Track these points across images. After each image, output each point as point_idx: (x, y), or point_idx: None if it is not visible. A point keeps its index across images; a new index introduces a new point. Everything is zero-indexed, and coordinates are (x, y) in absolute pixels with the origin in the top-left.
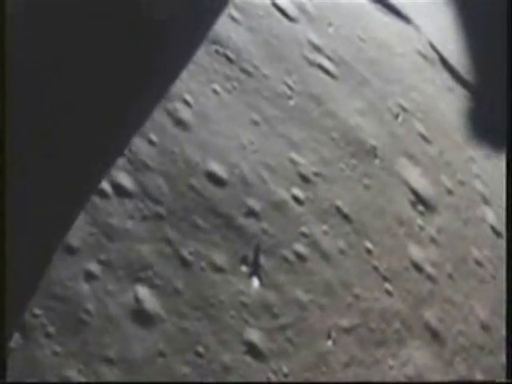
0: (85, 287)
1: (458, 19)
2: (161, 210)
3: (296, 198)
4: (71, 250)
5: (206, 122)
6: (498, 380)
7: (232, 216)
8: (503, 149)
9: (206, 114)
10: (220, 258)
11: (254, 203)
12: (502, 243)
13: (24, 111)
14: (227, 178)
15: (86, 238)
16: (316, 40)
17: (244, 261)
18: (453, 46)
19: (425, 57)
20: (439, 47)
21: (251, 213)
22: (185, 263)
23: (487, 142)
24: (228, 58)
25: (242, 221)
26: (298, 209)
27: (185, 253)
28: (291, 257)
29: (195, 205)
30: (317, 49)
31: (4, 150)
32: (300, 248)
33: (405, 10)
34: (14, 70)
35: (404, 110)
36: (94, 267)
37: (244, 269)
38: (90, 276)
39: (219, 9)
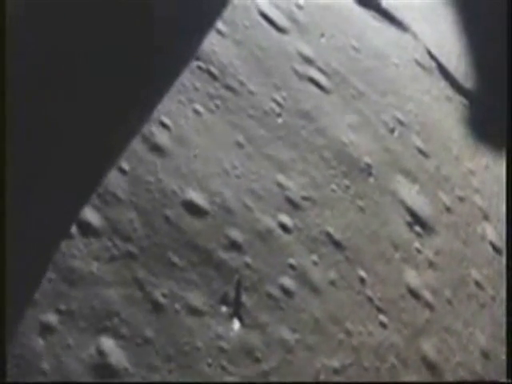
0: (40, 343)
1: (458, 23)
2: (131, 248)
3: (283, 226)
4: (26, 300)
5: (185, 147)
6: (497, 380)
7: (212, 250)
8: (503, 159)
9: (186, 137)
10: (197, 299)
11: (236, 234)
12: (502, 260)
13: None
14: (207, 208)
15: (44, 285)
16: (307, 51)
17: (224, 300)
18: (452, 52)
19: (422, 65)
20: (437, 54)
21: (233, 245)
22: (157, 307)
23: (487, 153)
24: (211, 75)
25: (223, 255)
26: (285, 238)
27: (157, 295)
28: (276, 292)
29: (171, 240)
30: (308, 61)
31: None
32: (286, 282)
33: (401, 17)
34: (13, 70)
35: (400, 123)
36: (51, 318)
37: (224, 309)
38: (46, 329)
39: (216, 13)
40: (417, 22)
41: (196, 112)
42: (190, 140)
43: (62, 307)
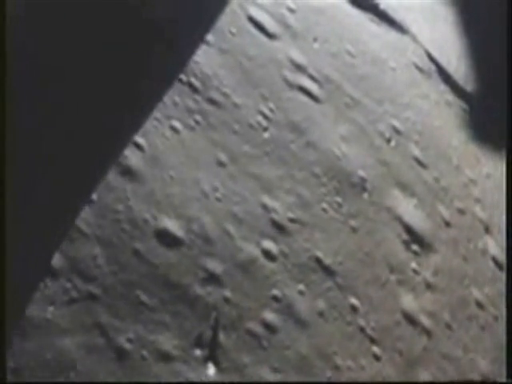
0: None
1: (458, 24)
2: (93, 288)
3: (267, 254)
4: None
5: (159, 168)
6: (497, 380)
7: (186, 285)
8: (505, 166)
9: (161, 158)
10: (167, 343)
11: (214, 265)
12: (504, 276)
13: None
14: (183, 237)
15: None
16: (298, 58)
17: (198, 342)
18: (452, 54)
19: (421, 69)
20: (437, 56)
21: (211, 278)
22: (121, 355)
23: (488, 160)
24: (192, 88)
25: (199, 290)
26: (270, 266)
27: (122, 341)
28: (258, 329)
29: (139, 276)
30: (299, 68)
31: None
32: (269, 316)
33: (400, 18)
34: (13, 70)
35: (397, 132)
36: None
37: (197, 352)
38: None
39: (218, 9)
40: (416, 23)
41: (173, 129)
42: (166, 161)
43: (11, 364)
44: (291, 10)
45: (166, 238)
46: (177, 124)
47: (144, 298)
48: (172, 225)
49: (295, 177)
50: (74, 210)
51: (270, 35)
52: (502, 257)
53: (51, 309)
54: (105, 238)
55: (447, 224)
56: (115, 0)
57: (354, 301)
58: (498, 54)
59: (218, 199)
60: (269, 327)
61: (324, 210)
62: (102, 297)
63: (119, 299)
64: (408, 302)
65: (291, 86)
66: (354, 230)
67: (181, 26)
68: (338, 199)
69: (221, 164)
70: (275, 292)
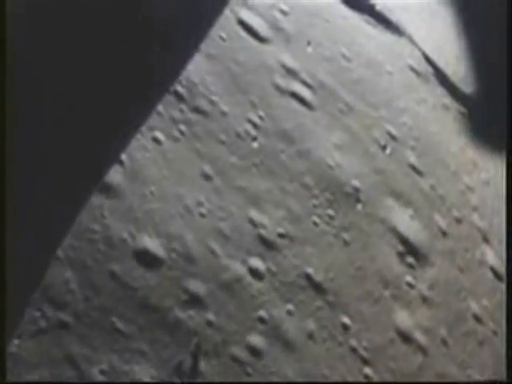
0: None
1: (456, 25)
2: (65, 316)
3: (254, 272)
4: None
5: (139, 184)
6: (498, 380)
7: (166, 309)
8: (504, 173)
9: (141, 172)
10: (144, 372)
11: (197, 286)
12: (504, 287)
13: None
14: (163, 257)
15: None
16: (290, 63)
17: (177, 371)
18: (450, 56)
19: (417, 72)
20: (434, 58)
21: (193, 300)
22: None
23: (486, 166)
24: (177, 96)
25: (180, 314)
26: (256, 286)
27: (95, 373)
28: (243, 354)
29: (115, 301)
30: (291, 73)
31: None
32: (255, 340)
33: (396, 20)
34: (13, 70)
35: (393, 138)
36: None
37: (177, 382)
38: None
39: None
40: (413, 24)
41: (156, 141)
42: (147, 175)
43: None
44: (284, 13)
45: (146, 258)
46: (159, 135)
47: (120, 324)
48: (152, 244)
49: (285, 189)
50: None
51: (261, 39)
52: (501, 267)
53: (17, 342)
54: (78, 260)
55: (444, 234)
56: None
57: (345, 319)
58: (498, 55)
59: (202, 215)
60: (254, 352)
61: (315, 223)
62: (73, 325)
63: (92, 327)
64: (402, 318)
65: (282, 92)
66: (346, 243)
67: (179, 25)
68: (330, 211)
69: (206, 177)
70: (262, 313)
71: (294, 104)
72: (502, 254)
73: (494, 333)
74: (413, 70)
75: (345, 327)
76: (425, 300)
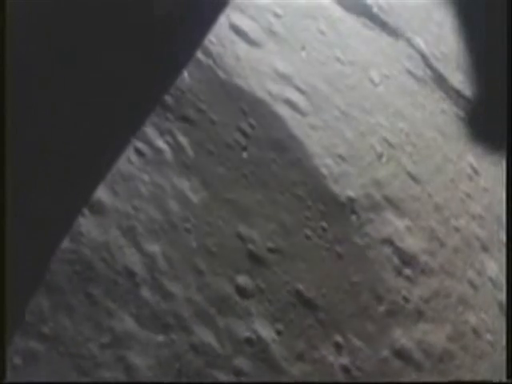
0: None
1: (456, 27)
2: (35, 344)
3: (241, 291)
4: None
5: (121, 199)
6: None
7: (146, 334)
8: (504, 179)
9: (123, 186)
10: None
11: (181, 307)
12: (503, 297)
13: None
14: (141, 276)
15: None
16: (283, 68)
17: None
18: (448, 58)
19: (415, 76)
20: (433, 61)
21: (177, 324)
22: None
23: (486, 172)
24: (163, 105)
25: (162, 338)
26: (244, 305)
27: None
28: (228, 379)
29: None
30: (284, 79)
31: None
32: (241, 363)
33: (394, 22)
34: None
35: (390, 145)
36: None
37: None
38: None
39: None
40: (411, 26)
41: (138, 153)
42: (129, 189)
43: None
44: (277, 16)
45: (128, 277)
46: (142, 147)
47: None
48: (134, 261)
49: (276, 201)
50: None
51: (253, 43)
52: (501, 277)
53: None
54: (53, 283)
55: (442, 244)
56: None
57: (337, 338)
58: (498, 58)
59: (188, 230)
60: (240, 375)
61: (307, 236)
62: (44, 353)
63: (64, 355)
64: (398, 335)
65: (275, 98)
66: (339, 256)
67: (181, 23)
68: (323, 223)
69: (193, 190)
70: (249, 334)
71: (287, 111)
72: (501, 262)
73: (492, 345)
74: (410, 73)
75: (337, 346)
76: (421, 315)
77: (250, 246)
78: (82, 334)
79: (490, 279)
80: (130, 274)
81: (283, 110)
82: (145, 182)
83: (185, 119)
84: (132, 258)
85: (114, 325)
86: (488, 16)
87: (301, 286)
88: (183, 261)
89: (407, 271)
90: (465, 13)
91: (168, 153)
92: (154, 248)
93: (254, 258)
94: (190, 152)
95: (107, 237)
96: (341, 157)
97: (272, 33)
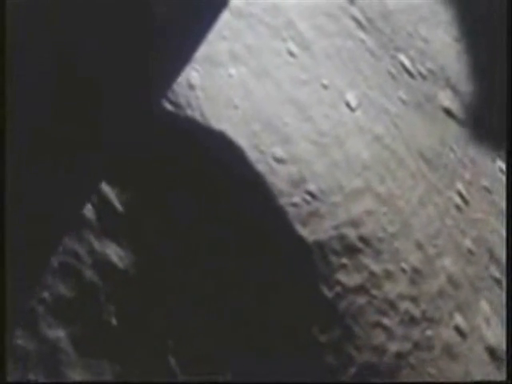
0: None
1: (457, 24)
2: None
3: None
4: None
5: None
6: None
7: None
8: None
9: None
10: None
11: None
12: (495, 341)
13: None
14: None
15: None
16: (245, 96)
17: None
18: (437, 74)
19: (397, 97)
20: (418, 78)
21: None
22: None
23: (476, 199)
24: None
25: None
26: None
27: None
28: None
29: None
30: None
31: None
32: None
33: (375, 39)
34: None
35: (367, 177)
36: None
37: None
38: None
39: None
40: (394, 43)
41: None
42: None
43: None
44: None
45: None
46: None
47: None
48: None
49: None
50: None
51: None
52: (494, 319)
53: None
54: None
55: (425, 287)
56: None
57: None
58: (498, 58)
59: None
60: None
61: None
62: None
63: None
64: None
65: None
66: (303, 311)
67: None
68: (286, 273)
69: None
70: None
71: (248, 142)
72: (494, 302)
73: None
74: (392, 95)
75: None
76: (398, 371)
77: None
78: None
79: (480, 324)
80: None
81: (244, 142)
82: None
83: None
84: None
85: None
86: (489, 15)
87: None
88: None
89: (385, 322)
90: (466, 10)
91: None
92: None
93: None
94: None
95: None
96: (310, 193)
97: (234, 57)
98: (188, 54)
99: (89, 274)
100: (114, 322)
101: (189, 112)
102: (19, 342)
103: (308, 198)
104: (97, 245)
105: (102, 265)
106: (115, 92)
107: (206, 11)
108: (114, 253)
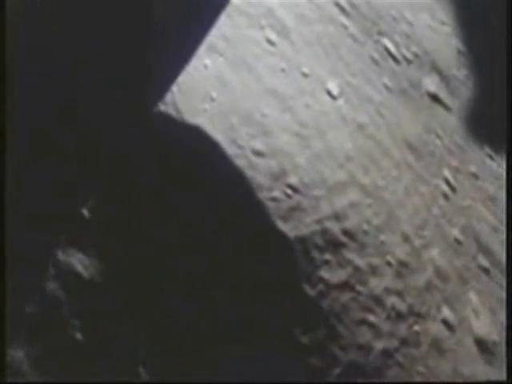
0: None
1: (456, 22)
2: None
3: None
4: None
5: None
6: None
7: None
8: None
9: None
10: None
11: None
12: (484, 332)
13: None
14: None
15: None
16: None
17: None
18: (422, 58)
19: (381, 83)
20: (403, 63)
21: None
22: None
23: (463, 186)
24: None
25: None
26: None
27: None
28: None
29: None
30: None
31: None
32: None
33: (358, 24)
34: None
35: (351, 169)
36: None
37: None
38: None
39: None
40: (379, 27)
41: None
42: None
43: None
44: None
45: None
46: None
47: None
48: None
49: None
50: None
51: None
52: (482, 309)
53: None
54: None
55: (412, 281)
56: None
57: None
58: (498, 55)
59: None
60: None
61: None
62: None
63: None
64: None
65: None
66: (284, 311)
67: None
68: (267, 272)
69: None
70: None
71: (225, 135)
72: (482, 292)
73: None
74: (376, 81)
75: None
76: (385, 370)
77: None
78: None
79: (469, 315)
80: None
81: (221, 136)
82: None
83: None
84: None
85: None
86: (489, 13)
87: None
88: None
89: (370, 318)
90: (466, 10)
91: None
92: None
93: None
94: None
95: None
96: (292, 187)
97: (210, 47)
98: (188, 54)
99: (51, 285)
100: (78, 336)
101: (162, 107)
102: None
103: (289, 191)
104: (60, 254)
105: (66, 275)
106: (109, 90)
107: (206, 11)
108: (79, 262)
